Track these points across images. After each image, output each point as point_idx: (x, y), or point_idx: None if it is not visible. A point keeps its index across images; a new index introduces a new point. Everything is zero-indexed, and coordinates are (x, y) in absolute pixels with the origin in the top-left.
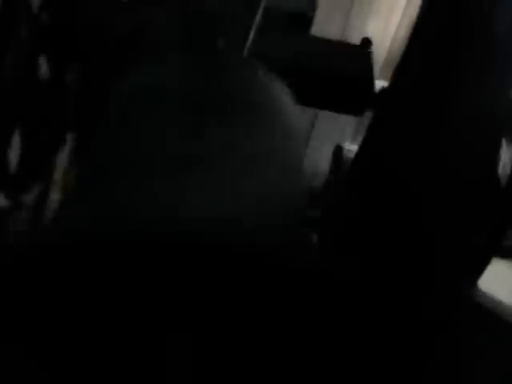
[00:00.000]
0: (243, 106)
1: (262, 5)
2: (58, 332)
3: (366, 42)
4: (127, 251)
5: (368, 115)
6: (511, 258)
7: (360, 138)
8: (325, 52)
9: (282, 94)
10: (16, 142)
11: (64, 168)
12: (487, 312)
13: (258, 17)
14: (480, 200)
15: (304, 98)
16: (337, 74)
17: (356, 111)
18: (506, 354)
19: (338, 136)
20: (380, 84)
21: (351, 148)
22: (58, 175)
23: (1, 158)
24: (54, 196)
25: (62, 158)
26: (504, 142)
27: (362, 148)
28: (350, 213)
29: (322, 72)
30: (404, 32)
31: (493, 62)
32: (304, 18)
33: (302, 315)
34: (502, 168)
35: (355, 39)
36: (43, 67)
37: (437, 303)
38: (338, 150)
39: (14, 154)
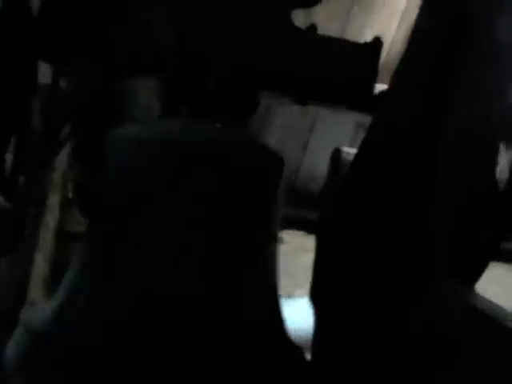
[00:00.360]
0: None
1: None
2: None
3: (377, 42)
4: None
5: (367, 119)
6: (510, 262)
7: (358, 142)
8: (332, 50)
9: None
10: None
11: (63, 169)
12: (485, 316)
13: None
14: (478, 204)
15: (308, 94)
16: (341, 70)
17: (355, 108)
18: (504, 357)
19: (336, 140)
20: (379, 87)
21: (350, 151)
22: (57, 176)
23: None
24: (53, 197)
25: (61, 160)
26: (502, 147)
27: (360, 151)
28: (348, 215)
29: (328, 68)
30: (403, 36)
31: (491, 67)
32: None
33: None
34: (500, 172)
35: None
36: (43, 71)
37: (435, 306)
38: (337, 154)
39: (10, 157)
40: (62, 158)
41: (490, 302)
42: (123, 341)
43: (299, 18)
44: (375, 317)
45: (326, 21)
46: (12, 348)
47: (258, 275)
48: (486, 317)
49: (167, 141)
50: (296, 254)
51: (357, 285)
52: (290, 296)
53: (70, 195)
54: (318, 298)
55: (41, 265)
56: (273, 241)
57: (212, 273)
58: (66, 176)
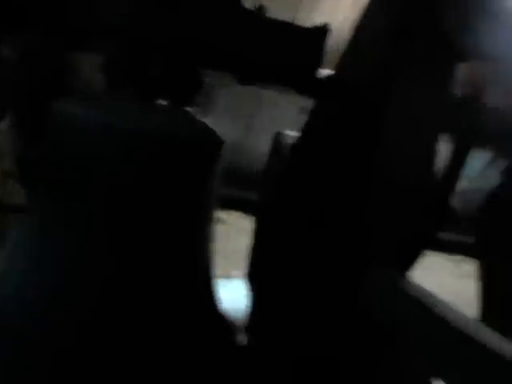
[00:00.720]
0: None
1: None
2: None
3: (324, 28)
4: None
5: (310, 103)
6: (447, 252)
7: (301, 125)
8: (279, 32)
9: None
10: None
11: (3, 140)
12: (419, 303)
13: None
14: (415, 192)
15: (252, 75)
16: (286, 53)
17: (298, 91)
18: (436, 344)
19: (279, 122)
20: (324, 72)
21: (292, 134)
22: None
23: None
24: None
25: (1, 130)
26: (442, 136)
27: (302, 135)
28: (288, 198)
29: (273, 50)
30: (351, 23)
31: (437, 57)
32: None
33: None
34: (439, 162)
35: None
36: None
37: (370, 293)
38: (279, 136)
39: None
40: (2, 127)
41: (424, 289)
42: (63, 316)
43: (249, 1)
44: (311, 300)
45: (275, 7)
46: None
47: (192, 254)
48: (419, 304)
49: (106, 119)
50: (234, 234)
51: (294, 267)
52: (226, 277)
53: (10, 166)
54: (254, 279)
55: None
56: (209, 221)
57: (146, 251)
58: (6, 146)
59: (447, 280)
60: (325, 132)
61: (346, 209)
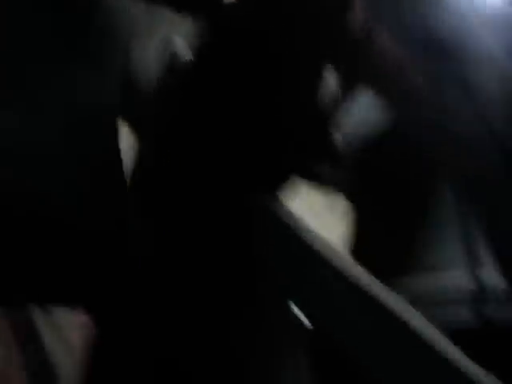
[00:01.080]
0: None
1: None
2: None
3: None
4: None
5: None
6: (323, 186)
7: (198, 44)
8: None
9: None
10: None
11: None
12: (288, 228)
13: None
14: (301, 124)
15: None
16: None
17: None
18: (302, 271)
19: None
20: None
21: (188, 52)
22: None
23: None
24: None
25: None
26: (330, 74)
27: (199, 52)
28: (180, 113)
29: None
30: None
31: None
32: None
33: None
34: (326, 98)
35: None
36: None
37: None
38: (167, 43)
39: None
40: None
41: (296, 215)
42: None
43: None
44: (192, 224)
45: None
46: None
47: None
48: (290, 230)
49: None
50: None
51: (179, 190)
52: None
53: None
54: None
55: None
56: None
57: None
58: None
59: (327, 219)
60: (223, 53)
61: (243, 130)
